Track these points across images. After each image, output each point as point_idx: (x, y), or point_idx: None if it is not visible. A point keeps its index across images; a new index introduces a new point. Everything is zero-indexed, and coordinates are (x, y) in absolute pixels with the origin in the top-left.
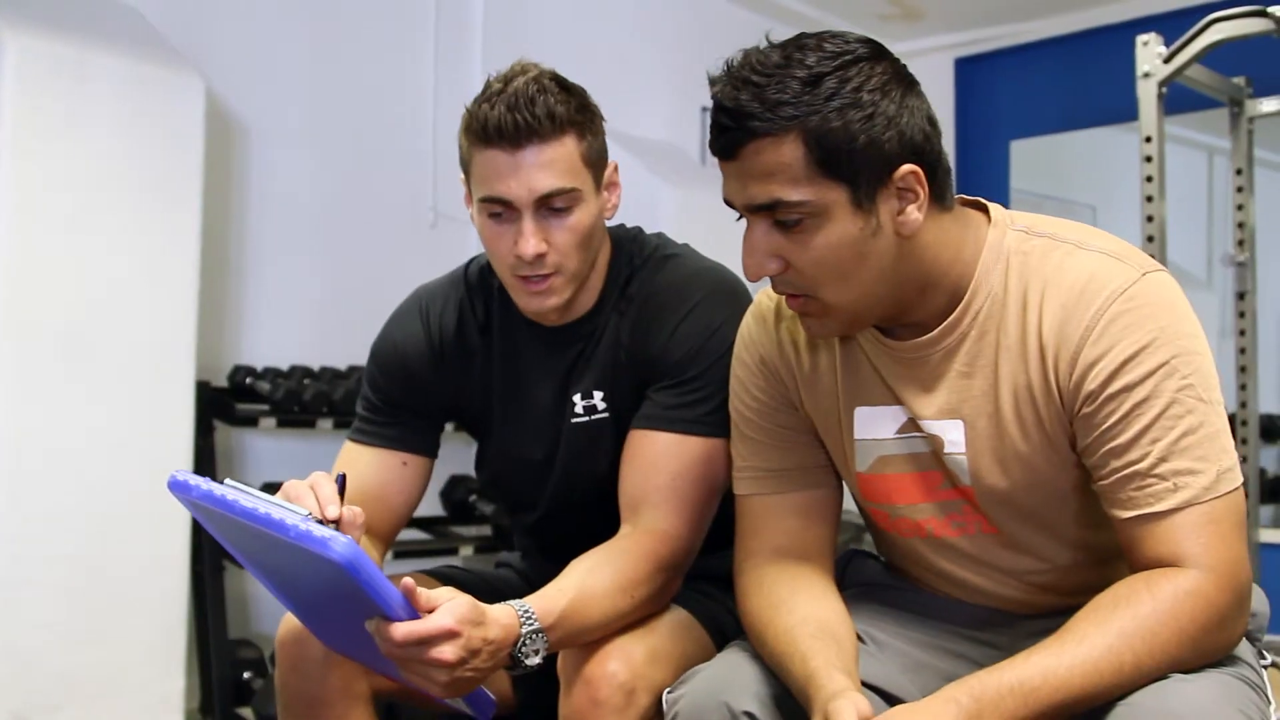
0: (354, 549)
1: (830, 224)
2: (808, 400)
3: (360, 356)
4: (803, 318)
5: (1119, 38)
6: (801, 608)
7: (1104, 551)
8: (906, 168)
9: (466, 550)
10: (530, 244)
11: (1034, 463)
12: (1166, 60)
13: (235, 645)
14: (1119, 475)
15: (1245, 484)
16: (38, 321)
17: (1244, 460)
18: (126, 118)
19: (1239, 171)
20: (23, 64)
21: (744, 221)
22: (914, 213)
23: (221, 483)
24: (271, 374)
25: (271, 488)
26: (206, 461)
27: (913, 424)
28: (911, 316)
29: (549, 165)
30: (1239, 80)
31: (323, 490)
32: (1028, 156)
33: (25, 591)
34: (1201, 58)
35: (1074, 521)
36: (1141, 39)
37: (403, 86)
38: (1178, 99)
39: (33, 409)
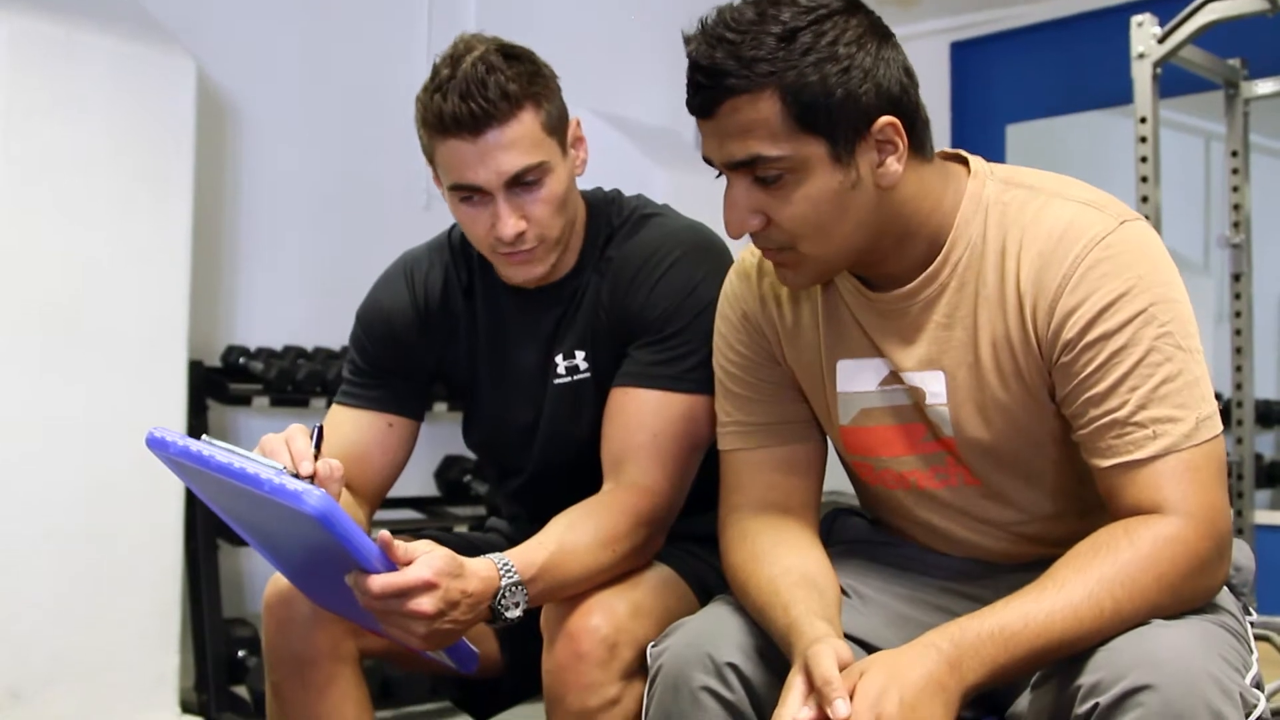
0: (327, 501)
1: (810, 178)
2: (790, 354)
3: None
4: (778, 269)
5: (1115, 20)
6: (784, 559)
7: (1086, 502)
8: (884, 119)
9: (461, 529)
10: (508, 225)
11: (1014, 413)
12: (1161, 40)
13: (230, 623)
14: (1098, 424)
15: (1241, 468)
16: (29, 302)
17: (1239, 442)
18: (117, 99)
19: (1234, 154)
20: (13, 44)
21: (724, 180)
22: (893, 164)
23: (199, 439)
24: (265, 354)
25: None
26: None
27: (894, 376)
28: (888, 267)
29: (512, 145)
30: (1234, 62)
31: (296, 444)
32: (1024, 141)
33: (18, 570)
34: (1196, 38)
35: (1055, 472)
36: (1136, 20)
37: (396, 67)
38: (1173, 82)
39: (24, 390)
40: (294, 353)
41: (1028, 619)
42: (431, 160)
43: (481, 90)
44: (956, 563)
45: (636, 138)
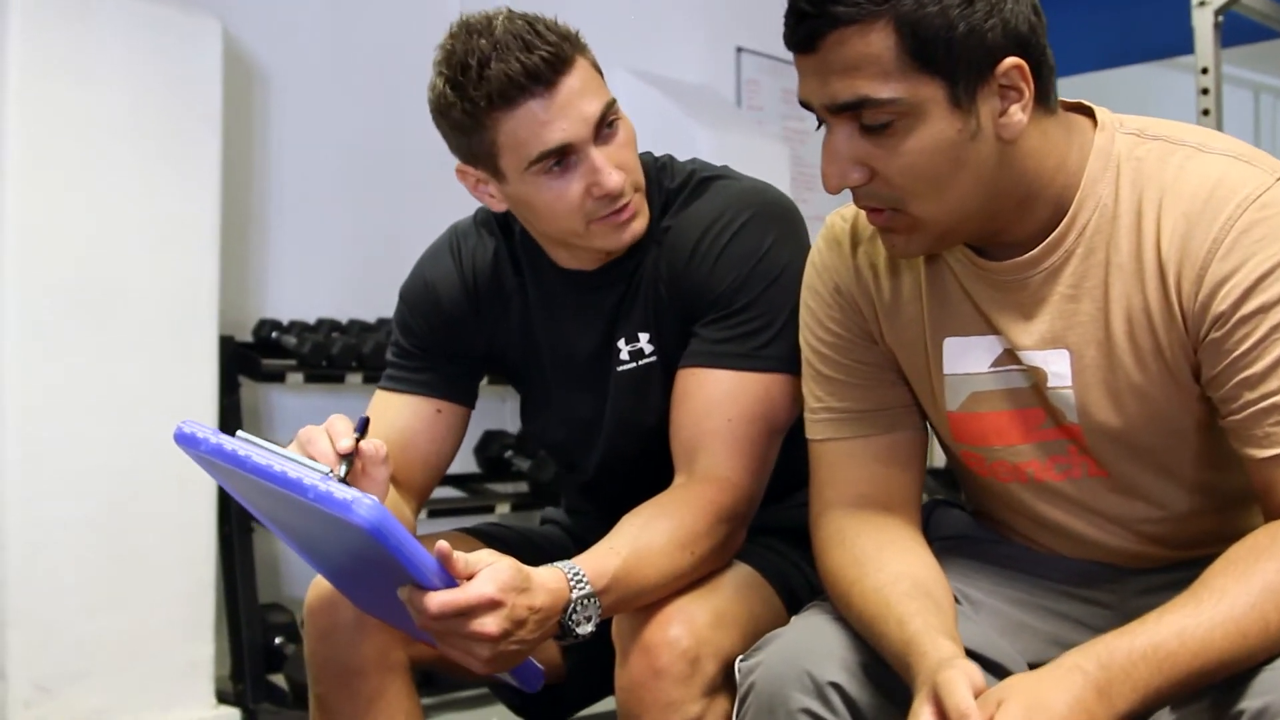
0: (379, 511)
1: (924, 125)
2: (889, 332)
3: (389, 308)
4: (885, 234)
5: None
6: (891, 564)
7: (1226, 497)
8: (1010, 61)
9: (503, 508)
10: (613, 176)
11: (1151, 396)
12: None
13: (266, 610)
14: (1255, 409)
15: None
16: (53, 278)
17: None
18: (139, 63)
19: None
20: (26, 6)
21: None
22: (1018, 113)
23: (234, 435)
24: (298, 328)
25: None
26: (232, 419)
27: (1010, 355)
28: (1009, 234)
29: (585, 88)
30: None
31: (335, 426)
32: (1072, 96)
33: (46, 557)
34: None
35: (1194, 462)
36: None
37: (428, 25)
38: (1228, 31)
39: (50, 369)
40: (328, 326)
41: (1184, 636)
42: (490, 152)
43: (541, 39)
44: (1075, 564)
45: (675, 97)
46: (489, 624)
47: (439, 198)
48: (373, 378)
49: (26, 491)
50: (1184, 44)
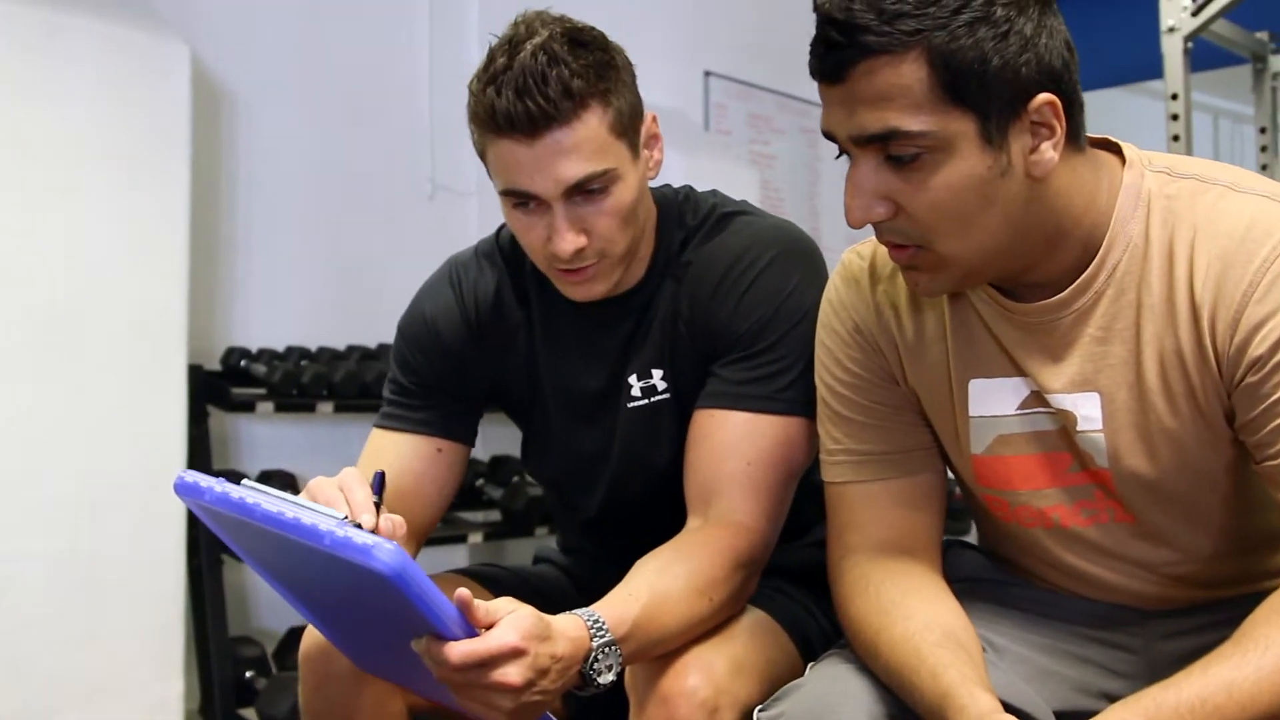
0: (401, 558)
1: (953, 160)
2: (911, 373)
3: (359, 335)
4: (908, 272)
5: None
6: (920, 612)
7: (1251, 539)
8: (1043, 97)
9: (475, 537)
10: (566, 241)
11: (1183, 441)
12: (1194, 14)
13: (236, 643)
14: None
15: None
16: (16, 304)
17: None
18: (107, 87)
19: (1263, 130)
20: None
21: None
22: (1049, 150)
23: (238, 483)
24: (267, 356)
25: (270, 476)
26: (201, 450)
27: (1038, 398)
28: (1035, 274)
29: (574, 150)
30: (1262, 35)
31: (355, 495)
32: None
33: (11, 592)
34: (1229, 11)
35: (1223, 507)
36: None
37: (397, 50)
38: (1195, 57)
39: (13, 397)
40: (297, 353)
41: (1231, 688)
42: (483, 157)
43: (540, 86)
44: (1099, 607)
45: None
46: (512, 674)
47: (406, 224)
48: (344, 406)
49: None
50: (1150, 69)
